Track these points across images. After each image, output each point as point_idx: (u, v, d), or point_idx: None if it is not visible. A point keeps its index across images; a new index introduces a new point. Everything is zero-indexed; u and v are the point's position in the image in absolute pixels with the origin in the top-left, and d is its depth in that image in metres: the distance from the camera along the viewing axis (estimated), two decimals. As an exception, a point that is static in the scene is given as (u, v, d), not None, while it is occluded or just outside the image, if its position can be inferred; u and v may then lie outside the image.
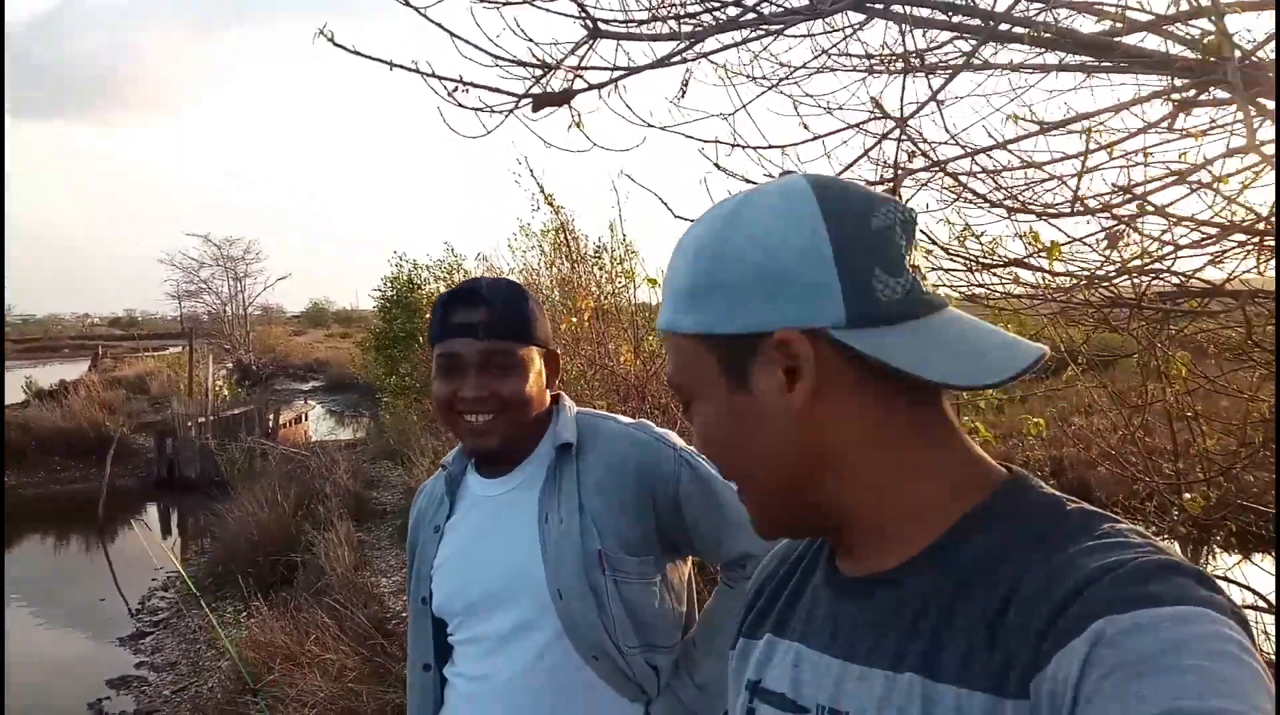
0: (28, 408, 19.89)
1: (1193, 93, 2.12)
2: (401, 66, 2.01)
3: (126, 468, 17.41)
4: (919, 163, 2.23)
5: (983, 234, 2.81)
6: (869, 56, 2.90)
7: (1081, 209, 2.04)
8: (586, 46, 2.65)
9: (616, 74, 2.25)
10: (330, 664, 5.18)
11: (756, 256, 0.81)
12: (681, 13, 2.56)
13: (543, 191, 7.63)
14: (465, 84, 2.09)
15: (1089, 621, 0.64)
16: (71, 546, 13.76)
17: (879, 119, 2.29)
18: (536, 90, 2.66)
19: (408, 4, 2.21)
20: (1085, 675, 0.62)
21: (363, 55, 1.97)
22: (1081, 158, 2.09)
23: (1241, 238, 2.50)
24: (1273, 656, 3.25)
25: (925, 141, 2.60)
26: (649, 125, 2.62)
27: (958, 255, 2.58)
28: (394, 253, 16.39)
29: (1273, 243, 2.40)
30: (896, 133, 2.10)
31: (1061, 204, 2.16)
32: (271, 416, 19.18)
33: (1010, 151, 2.33)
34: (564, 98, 2.21)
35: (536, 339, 1.81)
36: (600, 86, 2.28)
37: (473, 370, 1.74)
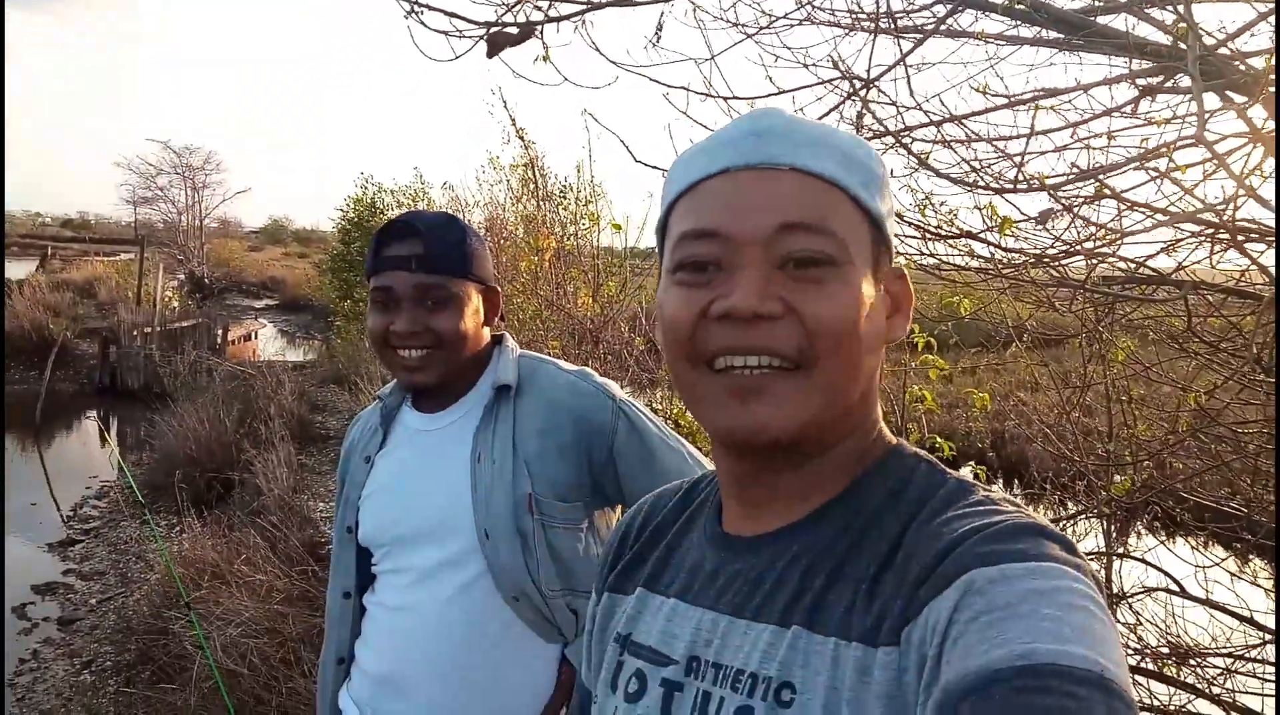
0: (-32, 303, 19.37)
1: (1159, 78, 2.12)
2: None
3: (68, 372, 17.09)
4: (882, 126, 2.20)
5: (943, 204, 2.81)
6: (851, 12, 2.86)
7: (1025, 186, 2.04)
8: (562, -24, 2.57)
9: (574, 8, 2.18)
10: (259, 585, 5.16)
11: (892, 196, 0.87)
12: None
13: (514, 123, 7.51)
14: (424, 6, 2.00)
15: (960, 573, 0.68)
16: (6, 448, 13.51)
17: (846, 78, 2.25)
18: (508, 18, 2.59)
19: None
20: (954, 620, 0.66)
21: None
22: (1027, 136, 2.08)
23: (1194, 228, 2.52)
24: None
25: (895, 104, 2.58)
26: (617, 65, 2.56)
27: (913, 223, 2.57)
28: (360, 173, 16.17)
29: (1225, 236, 2.42)
30: (862, 91, 2.07)
31: (1015, 181, 2.16)
32: (221, 332, 18.88)
33: (964, 126, 2.32)
34: (520, 37, 2.13)
35: (473, 275, 1.78)
36: (559, 20, 2.21)
37: (407, 304, 1.73)
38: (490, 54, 2.12)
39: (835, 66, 2.17)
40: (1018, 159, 2.12)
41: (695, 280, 0.81)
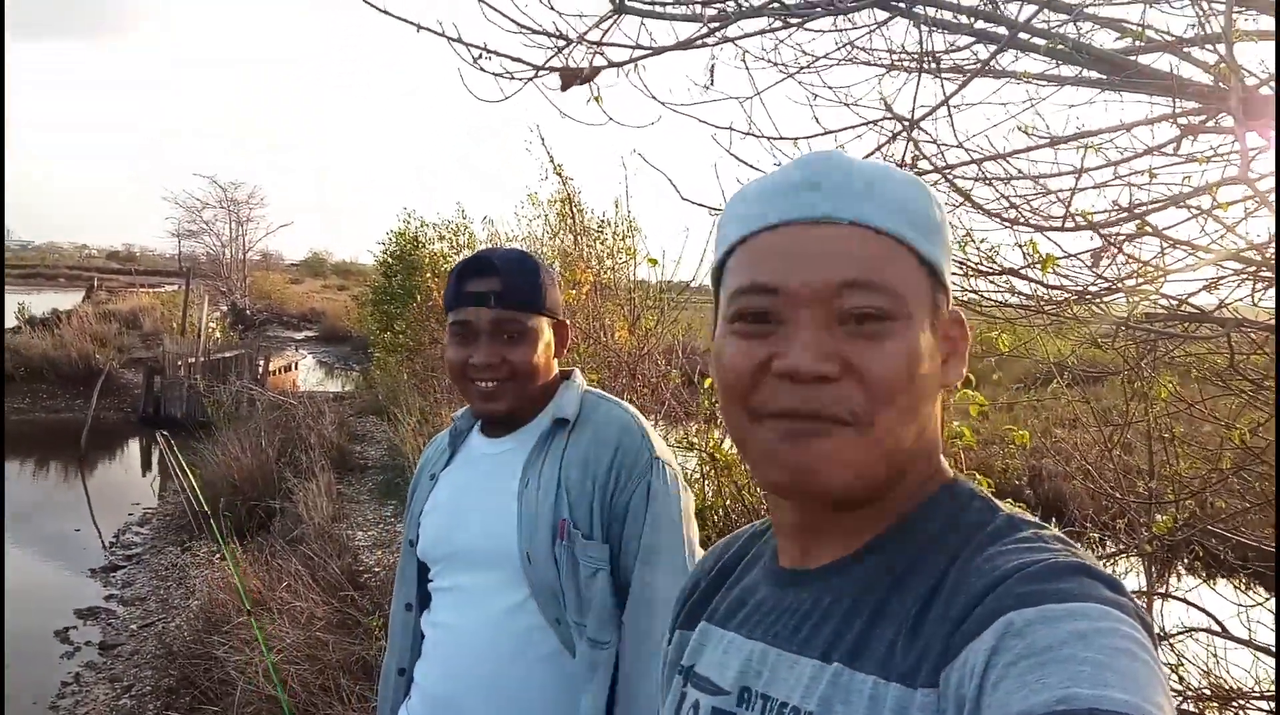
0: (18, 334, 19.80)
1: (1200, 118, 2.14)
2: (428, 29, 2.01)
3: (112, 401, 17.40)
4: (924, 165, 2.25)
5: (983, 241, 2.84)
6: (891, 53, 2.92)
7: (1073, 224, 2.07)
8: (610, 21, 2.66)
9: (638, 53, 2.26)
10: (299, 611, 5.22)
11: (950, 237, 0.87)
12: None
13: (552, 161, 7.65)
14: (489, 52, 2.10)
15: (999, 614, 0.67)
16: (51, 475, 13.77)
17: (891, 118, 2.30)
18: (556, 62, 2.67)
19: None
20: (992, 663, 0.65)
21: (391, 15, 1.97)
22: (1076, 173, 2.11)
23: (1236, 266, 2.53)
24: (1224, 681, 3.30)
25: (935, 143, 2.62)
26: (664, 104, 2.63)
27: (954, 259, 2.61)
28: (403, 208, 16.46)
29: (1268, 274, 2.42)
30: (906, 133, 2.12)
31: (1057, 219, 2.19)
32: (262, 362, 19.17)
33: (1008, 163, 2.35)
34: (590, 75, 2.22)
35: (546, 309, 1.87)
36: (623, 64, 2.29)
37: (485, 337, 1.82)
38: (564, 88, 2.22)
39: (887, 108, 2.22)
40: (1063, 196, 2.15)
41: (754, 331, 0.82)
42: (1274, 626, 3.24)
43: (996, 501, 0.84)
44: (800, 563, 0.88)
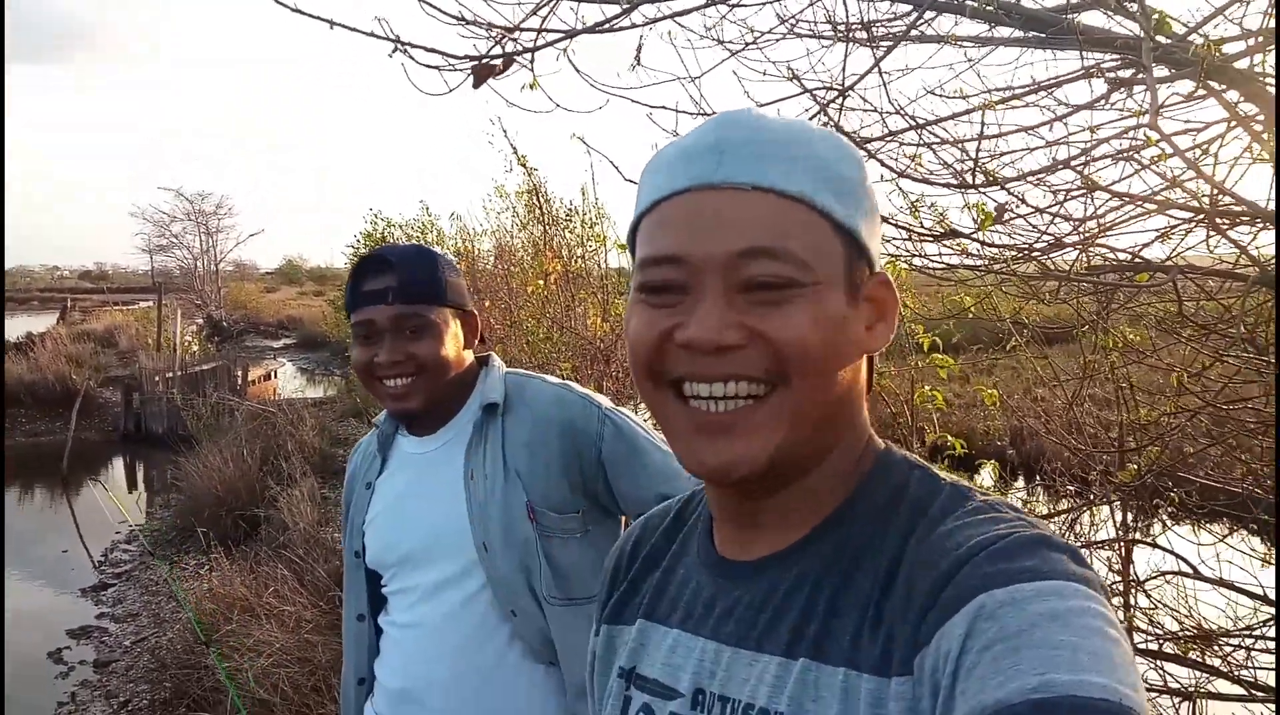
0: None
1: (1130, 71, 2.17)
2: (342, 25, 1.99)
3: (92, 421, 17.28)
4: (853, 138, 2.26)
5: (932, 205, 2.86)
6: (832, 24, 2.92)
7: (983, 180, 2.09)
8: (547, 8, 2.66)
9: (551, 37, 2.26)
10: (288, 615, 5.23)
11: (875, 196, 0.84)
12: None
13: (515, 152, 7.62)
14: (403, 44, 2.08)
15: (970, 596, 0.66)
16: (35, 499, 13.67)
17: (824, 87, 2.32)
18: (496, 51, 2.67)
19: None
20: (966, 648, 0.64)
21: (302, 13, 1.95)
22: (980, 136, 2.13)
23: (1185, 215, 2.56)
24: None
25: (878, 111, 2.64)
26: (603, 90, 2.63)
27: (901, 225, 2.63)
28: (369, 209, 16.40)
29: (1223, 222, 2.45)
30: (839, 99, 2.14)
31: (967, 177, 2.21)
32: (241, 373, 19.07)
33: (932, 132, 2.37)
34: (502, 67, 2.21)
35: (449, 301, 1.85)
36: (535, 50, 2.29)
37: (387, 335, 1.80)
38: (476, 85, 2.20)
39: (795, 78, 2.24)
40: (983, 156, 2.17)
41: (658, 302, 0.79)
42: (1275, 579, 3.28)
43: (933, 467, 0.82)
44: (741, 551, 0.85)
